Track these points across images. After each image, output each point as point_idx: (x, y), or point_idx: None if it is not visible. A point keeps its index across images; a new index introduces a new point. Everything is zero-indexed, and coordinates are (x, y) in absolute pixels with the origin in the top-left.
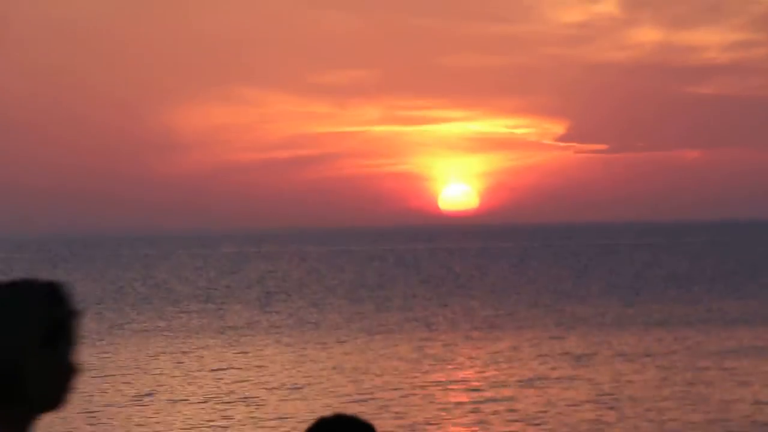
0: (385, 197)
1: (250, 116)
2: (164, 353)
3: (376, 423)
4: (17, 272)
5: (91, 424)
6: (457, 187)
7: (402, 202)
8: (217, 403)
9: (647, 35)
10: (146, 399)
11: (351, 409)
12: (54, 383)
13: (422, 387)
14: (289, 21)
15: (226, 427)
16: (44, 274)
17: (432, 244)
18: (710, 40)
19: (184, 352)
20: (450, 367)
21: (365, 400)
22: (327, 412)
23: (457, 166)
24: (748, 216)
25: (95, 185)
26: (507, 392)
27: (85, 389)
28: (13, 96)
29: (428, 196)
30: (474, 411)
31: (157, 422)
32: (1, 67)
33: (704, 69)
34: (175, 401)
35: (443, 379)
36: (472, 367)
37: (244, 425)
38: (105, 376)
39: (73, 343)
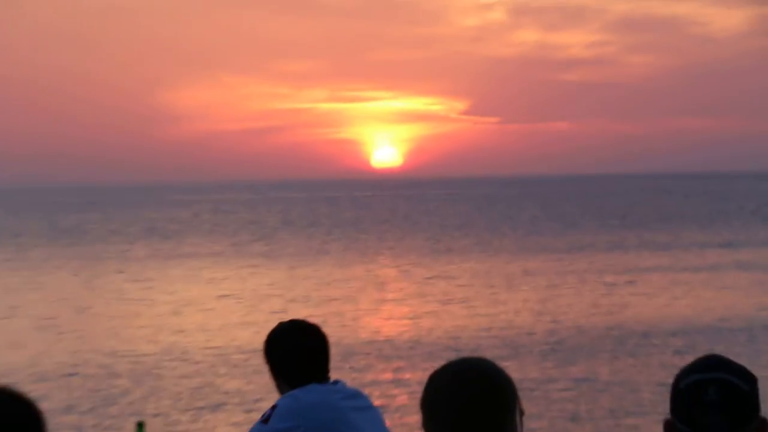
0: (331, 157)
1: (229, 96)
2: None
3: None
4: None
5: None
6: (385, 150)
7: (343, 161)
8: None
9: (528, 36)
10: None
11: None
12: None
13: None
14: (257, 24)
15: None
16: (95, 214)
17: (367, 192)
18: (575, 40)
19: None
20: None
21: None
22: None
23: (385, 134)
24: (605, 171)
25: (108, 149)
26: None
27: None
28: (39, 85)
29: (363, 157)
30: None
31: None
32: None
33: (570, 61)
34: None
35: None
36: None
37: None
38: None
39: None
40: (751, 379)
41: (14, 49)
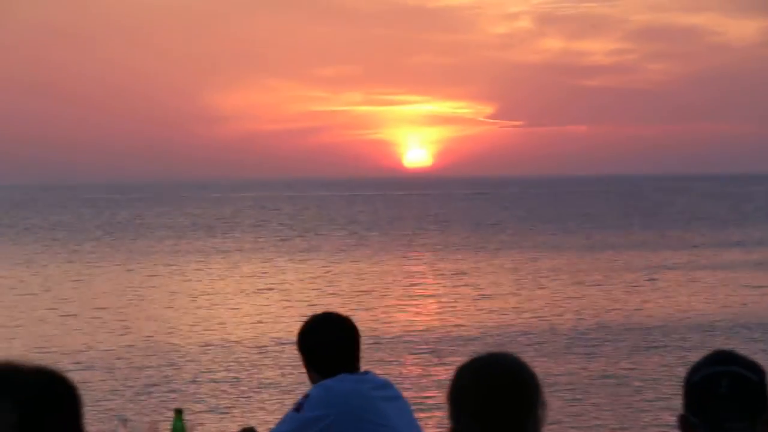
0: (366, 157)
1: (272, 98)
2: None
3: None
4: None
5: None
6: (416, 151)
7: (377, 161)
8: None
9: (552, 44)
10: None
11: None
12: None
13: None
14: (298, 31)
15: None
16: (151, 210)
17: (400, 191)
18: (597, 48)
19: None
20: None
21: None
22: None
23: (416, 136)
24: (620, 172)
25: (157, 145)
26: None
27: None
28: (100, 83)
29: (395, 157)
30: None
31: None
32: (84, 61)
33: (592, 68)
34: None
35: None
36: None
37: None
38: None
39: None
40: (760, 372)
41: (77, 41)
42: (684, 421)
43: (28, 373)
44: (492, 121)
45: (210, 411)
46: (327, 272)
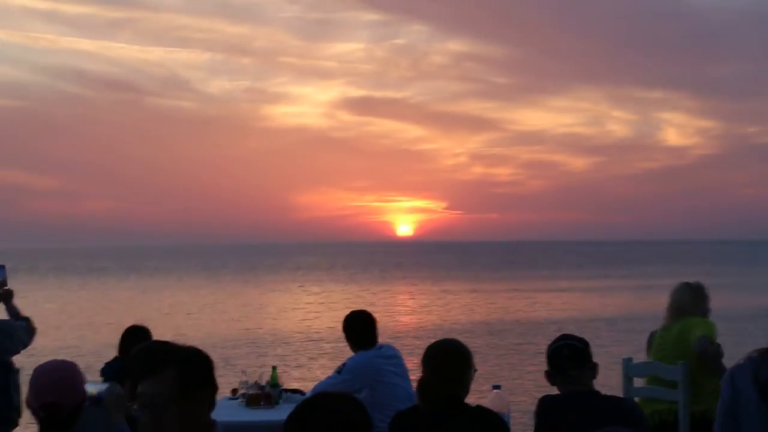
0: (376, 230)
1: (327, 198)
2: None
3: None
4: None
5: None
6: (404, 226)
7: (383, 232)
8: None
9: (479, 169)
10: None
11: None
12: None
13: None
14: (340, 162)
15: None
16: (255, 259)
17: (395, 248)
18: (502, 172)
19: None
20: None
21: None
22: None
23: (405, 218)
24: (520, 239)
25: (269, 225)
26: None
27: None
28: (220, 187)
29: (393, 230)
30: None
31: None
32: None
33: (499, 183)
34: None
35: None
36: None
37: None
38: None
39: None
40: (585, 343)
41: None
42: (547, 374)
43: (185, 349)
44: (446, 210)
45: (292, 369)
46: (359, 291)
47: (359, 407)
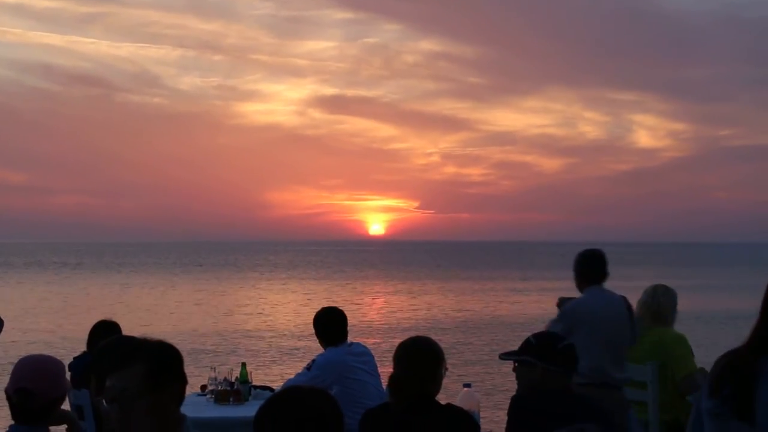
0: (349, 229)
1: (298, 196)
2: None
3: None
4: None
5: None
6: (376, 225)
7: (355, 231)
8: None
9: (450, 169)
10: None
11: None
12: None
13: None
14: (312, 160)
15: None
16: (228, 257)
17: (368, 247)
18: (473, 172)
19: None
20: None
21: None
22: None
23: (376, 217)
24: (491, 240)
25: (239, 222)
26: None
27: None
28: (192, 184)
29: (365, 229)
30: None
31: None
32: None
33: (470, 183)
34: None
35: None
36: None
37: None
38: None
39: None
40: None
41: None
42: (515, 366)
43: (154, 343)
44: (417, 210)
45: (261, 366)
46: (330, 288)
47: (330, 401)
